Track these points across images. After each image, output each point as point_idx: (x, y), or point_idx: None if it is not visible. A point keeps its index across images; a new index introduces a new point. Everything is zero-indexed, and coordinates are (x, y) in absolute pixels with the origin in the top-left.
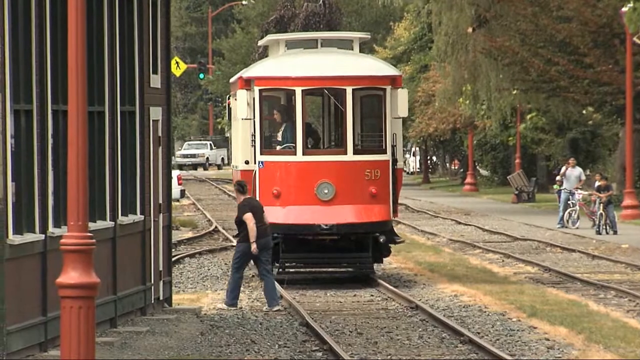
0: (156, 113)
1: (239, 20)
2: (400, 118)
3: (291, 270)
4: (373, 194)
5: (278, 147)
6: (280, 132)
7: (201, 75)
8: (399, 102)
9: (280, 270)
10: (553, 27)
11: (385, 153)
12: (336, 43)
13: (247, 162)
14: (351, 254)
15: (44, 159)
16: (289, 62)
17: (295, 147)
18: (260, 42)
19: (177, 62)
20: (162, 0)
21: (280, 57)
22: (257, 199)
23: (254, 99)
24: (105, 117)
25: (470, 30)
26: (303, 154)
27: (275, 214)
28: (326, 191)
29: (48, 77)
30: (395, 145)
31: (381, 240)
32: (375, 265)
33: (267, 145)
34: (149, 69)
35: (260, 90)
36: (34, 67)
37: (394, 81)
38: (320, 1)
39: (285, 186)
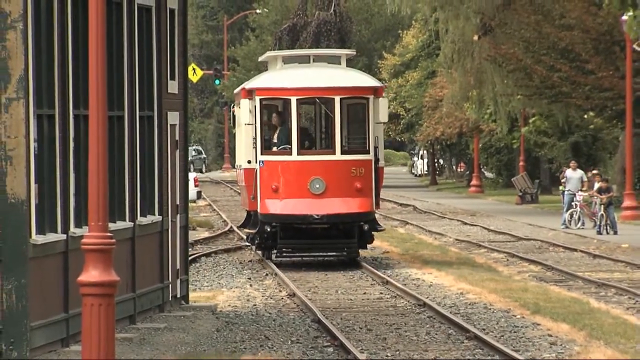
0: (173, 117)
1: (253, 28)
2: (381, 123)
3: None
4: (358, 189)
5: (276, 148)
6: (277, 135)
7: (217, 81)
8: (380, 109)
9: (278, 254)
10: (555, 34)
11: (369, 153)
12: (326, 59)
13: (249, 162)
14: (339, 240)
15: (65, 161)
16: (285, 75)
17: (291, 148)
18: (260, 58)
19: (193, 69)
20: (180, 9)
21: (278, 71)
22: (259, 193)
23: (255, 107)
24: (124, 121)
25: (475, 38)
26: (298, 154)
27: (274, 206)
28: (317, 186)
29: (70, 84)
30: (377, 147)
31: (365, 228)
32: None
33: (267, 147)
34: (166, 76)
35: (260, 100)
36: (56, 74)
37: (376, 91)
38: (332, 10)
39: (283, 182)
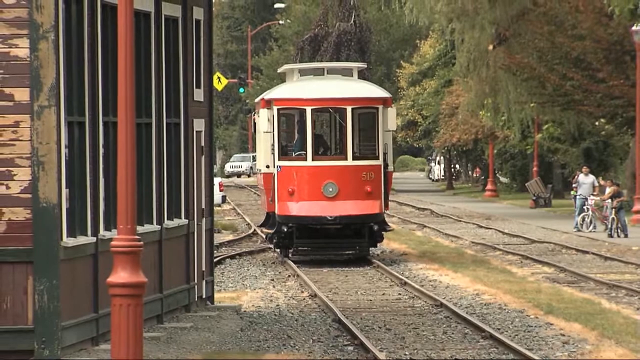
0: (199, 124)
1: (276, 38)
2: (390, 131)
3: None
4: (368, 192)
5: (292, 154)
6: (293, 142)
7: (241, 90)
8: (389, 118)
9: (295, 253)
10: (568, 44)
11: (378, 159)
12: (339, 71)
13: (268, 167)
14: (351, 240)
15: (95, 167)
16: (301, 87)
17: (306, 154)
18: (279, 70)
19: (218, 77)
20: (205, 20)
21: (294, 82)
22: (277, 196)
23: (273, 116)
24: (152, 128)
25: (490, 47)
26: (312, 160)
27: (290, 208)
28: (331, 189)
29: (99, 92)
30: (386, 153)
31: (375, 228)
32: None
33: (284, 153)
34: (192, 84)
35: (278, 109)
36: (87, 83)
37: (385, 101)
38: (352, 21)
39: (298, 185)
